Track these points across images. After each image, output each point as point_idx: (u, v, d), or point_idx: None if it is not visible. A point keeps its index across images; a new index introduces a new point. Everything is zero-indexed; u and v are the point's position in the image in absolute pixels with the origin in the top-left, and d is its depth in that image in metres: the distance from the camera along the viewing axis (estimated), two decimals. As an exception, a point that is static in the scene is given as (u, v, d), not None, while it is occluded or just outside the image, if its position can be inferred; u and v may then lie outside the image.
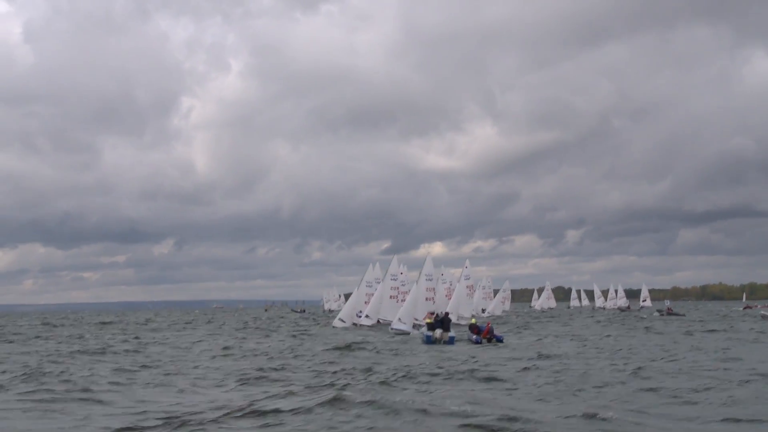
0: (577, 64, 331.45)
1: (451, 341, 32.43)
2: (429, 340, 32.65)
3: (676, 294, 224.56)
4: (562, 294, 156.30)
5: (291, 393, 13.79)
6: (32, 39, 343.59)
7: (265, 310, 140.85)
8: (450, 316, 38.31)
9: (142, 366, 21.30)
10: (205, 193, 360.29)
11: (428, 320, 36.43)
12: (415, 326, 42.83)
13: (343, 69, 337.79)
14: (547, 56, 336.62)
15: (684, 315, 71.61)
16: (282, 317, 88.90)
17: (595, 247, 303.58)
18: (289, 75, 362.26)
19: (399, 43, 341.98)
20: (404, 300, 46.29)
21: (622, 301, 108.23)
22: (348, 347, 27.80)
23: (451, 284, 56.58)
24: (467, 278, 58.07)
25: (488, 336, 32.38)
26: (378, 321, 45.70)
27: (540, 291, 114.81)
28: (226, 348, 29.35)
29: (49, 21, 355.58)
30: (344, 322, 47.91)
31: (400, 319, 42.73)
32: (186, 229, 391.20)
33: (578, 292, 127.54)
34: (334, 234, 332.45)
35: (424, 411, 11.43)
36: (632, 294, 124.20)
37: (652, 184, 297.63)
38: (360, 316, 48.42)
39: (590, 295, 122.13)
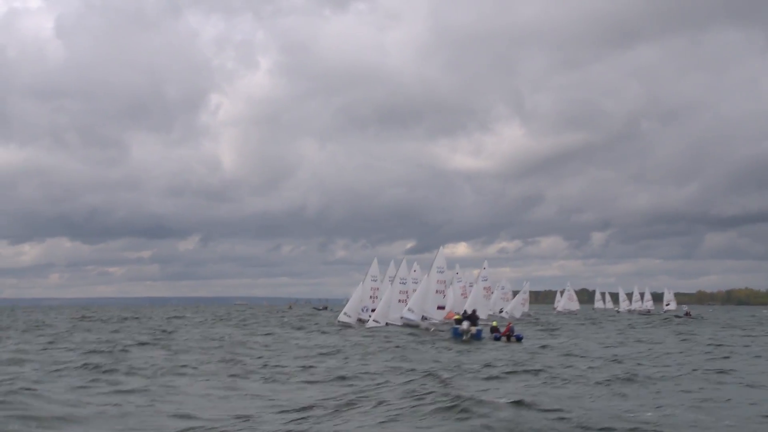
0: (607, 66, 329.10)
1: (479, 335, 34.43)
2: (456, 333, 34.82)
3: (701, 298, 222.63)
4: (586, 296, 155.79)
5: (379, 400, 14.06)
6: (64, 34, 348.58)
7: (289, 308, 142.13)
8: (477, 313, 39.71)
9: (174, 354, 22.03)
10: (231, 190, 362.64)
11: (457, 317, 38.70)
12: (423, 318, 43.68)
13: (372, 68, 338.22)
14: (577, 57, 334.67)
15: (704, 318, 72.18)
16: (311, 315, 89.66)
17: (620, 249, 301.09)
18: (317, 73, 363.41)
19: (428, 43, 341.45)
20: None
21: (648, 304, 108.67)
22: (397, 346, 28.27)
23: (471, 285, 56.88)
24: (485, 279, 58.21)
25: (508, 334, 34.20)
26: (386, 324, 44.93)
27: (563, 293, 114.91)
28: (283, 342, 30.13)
29: (80, 16, 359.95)
30: (349, 317, 47.32)
31: (410, 309, 43.19)
32: (212, 226, 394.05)
33: (602, 294, 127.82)
34: (358, 233, 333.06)
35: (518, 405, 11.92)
36: (656, 297, 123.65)
37: (679, 188, 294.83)
38: (366, 311, 47.86)
39: (615, 297, 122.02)
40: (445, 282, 47.61)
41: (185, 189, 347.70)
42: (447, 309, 49.36)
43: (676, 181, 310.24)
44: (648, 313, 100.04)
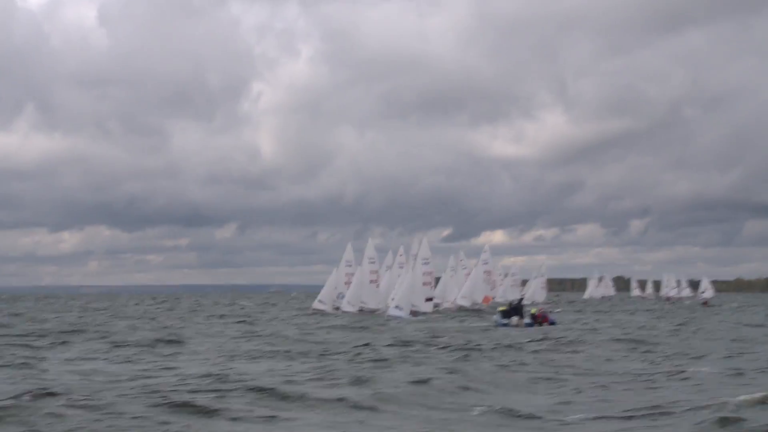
0: (652, 51, 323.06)
1: (531, 326, 33.74)
2: (505, 327, 33.77)
3: (740, 286, 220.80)
4: (622, 284, 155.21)
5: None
6: (107, 22, 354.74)
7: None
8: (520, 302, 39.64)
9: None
10: (270, 178, 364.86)
11: (502, 308, 37.42)
12: (412, 313, 41.58)
13: (414, 54, 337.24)
14: (622, 43, 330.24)
15: (721, 305, 74.45)
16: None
17: (658, 237, 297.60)
18: (358, 61, 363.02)
19: (471, 29, 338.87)
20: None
21: (685, 292, 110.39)
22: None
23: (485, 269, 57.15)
24: (485, 263, 58.17)
25: (540, 320, 34.83)
26: (360, 309, 43.71)
27: (594, 280, 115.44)
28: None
29: (123, 5, 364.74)
30: (324, 303, 46.32)
31: (397, 306, 41.31)
32: (249, 214, 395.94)
33: (639, 282, 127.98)
34: (395, 220, 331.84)
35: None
36: (695, 285, 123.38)
37: (720, 175, 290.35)
38: (341, 298, 46.18)
39: (656, 285, 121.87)
40: (431, 273, 45.59)
41: (224, 177, 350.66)
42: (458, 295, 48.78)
43: (718, 168, 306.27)
44: (669, 300, 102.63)
